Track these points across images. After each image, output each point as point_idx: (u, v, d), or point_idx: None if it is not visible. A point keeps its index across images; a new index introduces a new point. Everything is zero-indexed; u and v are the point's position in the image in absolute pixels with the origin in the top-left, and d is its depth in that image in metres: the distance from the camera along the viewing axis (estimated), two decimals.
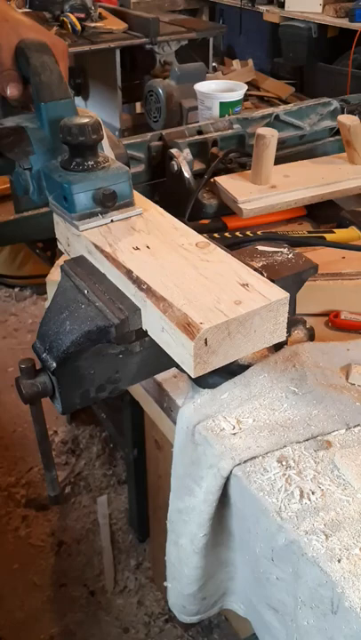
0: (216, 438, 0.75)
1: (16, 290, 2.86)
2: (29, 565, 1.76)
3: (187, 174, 1.21)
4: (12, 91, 0.85)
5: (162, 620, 1.62)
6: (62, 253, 0.90)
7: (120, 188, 0.76)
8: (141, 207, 0.80)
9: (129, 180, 0.78)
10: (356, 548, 0.63)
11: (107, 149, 0.88)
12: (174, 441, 0.81)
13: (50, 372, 0.70)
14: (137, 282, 0.68)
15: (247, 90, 1.74)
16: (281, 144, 1.32)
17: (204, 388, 0.81)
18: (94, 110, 2.40)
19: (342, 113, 1.48)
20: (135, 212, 0.79)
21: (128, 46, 2.46)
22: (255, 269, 0.71)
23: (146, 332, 0.70)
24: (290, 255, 0.84)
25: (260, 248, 0.85)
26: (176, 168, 1.22)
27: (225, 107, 1.60)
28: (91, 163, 0.76)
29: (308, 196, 1.21)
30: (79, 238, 0.81)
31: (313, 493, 0.68)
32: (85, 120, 0.74)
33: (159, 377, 0.87)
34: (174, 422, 0.83)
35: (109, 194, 0.75)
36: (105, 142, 0.87)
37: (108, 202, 0.75)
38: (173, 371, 0.84)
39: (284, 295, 0.66)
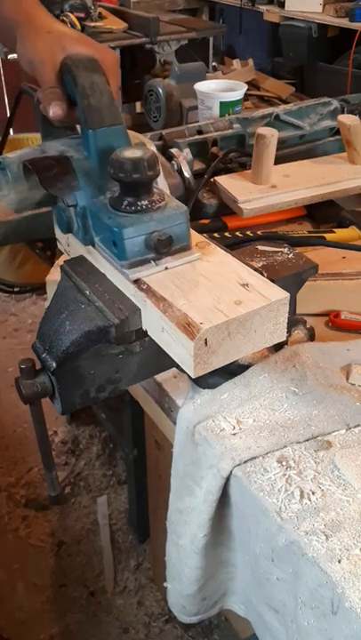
0: (216, 438, 0.75)
1: (16, 290, 2.86)
2: (29, 565, 1.76)
3: (187, 174, 1.21)
4: (55, 111, 0.75)
5: (162, 620, 1.62)
6: (62, 253, 0.90)
7: (176, 230, 0.68)
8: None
9: (187, 222, 0.69)
10: (357, 549, 0.63)
11: (160, 180, 0.81)
12: (174, 441, 0.81)
13: (50, 372, 0.70)
14: (137, 282, 0.68)
15: (247, 89, 1.74)
16: (281, 144, 1.32)
17: (204, 388, 0.81)
18: None
19: (342, 113, 1.48)
20: (192, 258, 0.69)
21: (128, 46, 2.46)
22: (255, 269, 0.71)
23: (146, 332, 0.70)
24: (290, 255, 0.84)
25: (260, 248, 0.85)
26: (176, 168, 1.22)
27: (225, 106, 1.60)
28: (145, 202, 0.67)
29: (308, 195, 1.20)
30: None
31: (313, 494, 0.68)
32: (140, 153, 0.64)
33: (159, 377, 0.87)
34: (174, 422, 0.82)
35: (165, 239, 0.66)
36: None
37: (162, 248, 0.66)
38: (173, 371, 0.84)
39: (284, 295, 0.66)
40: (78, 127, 0.79)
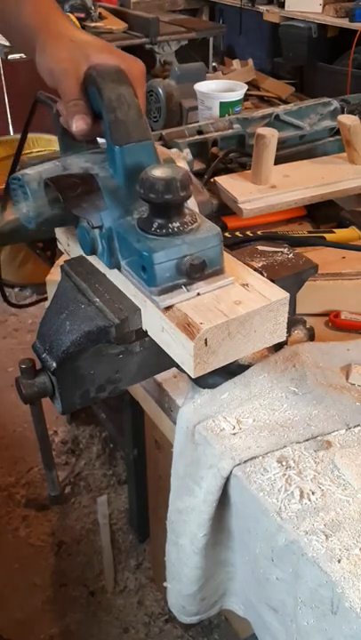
0: (216, 438, 0.75)
1: (16, 290, 2.86)
2: (29, 565, 1.76)
3: None
4: (79, 125, 0.70)
5: (162, 620, 1.62)
6: (62, 253, 0.90)
7: (209, 254, 0.63)
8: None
9: (220, 245, 0.64)
10: (357, 549, 0.63)
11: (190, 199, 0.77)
12: (174, 441, 0.81)
13: (50, 372, 0.70)
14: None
15: (247, 90, 1.74)
16: (281, 144, 1.32)
17: (204, 388, 0.81)
18: None
19: (342, 113, 1.48)
20: (226, 283, 0.65)
21: (128, 46, 2.46)
22: (255, 269, 0.71)
23: (146, 332, 0.70)
24: (290, 255, 0.84)
25: (260, 248, 0.85)
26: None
27: (225, 107, 1.60)
28: (176, 224, 0.62)
29: (308, 195, 1.20)
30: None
31: (313, 493, 0.68)
32: (172, 173, 0.60)
33: (159, 377, 0.87)
34: (174, 422, 0.83)
35: (198, 264, 0.62)
36: None
37: (195, 273, 0.62)
38: (173, 371, 0.84)
39: (284, 295, 0.66)
40: (99, 140, 0.75)
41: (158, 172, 0.60)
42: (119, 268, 0.67)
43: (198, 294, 0.64)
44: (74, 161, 0.71)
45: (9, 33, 0.82)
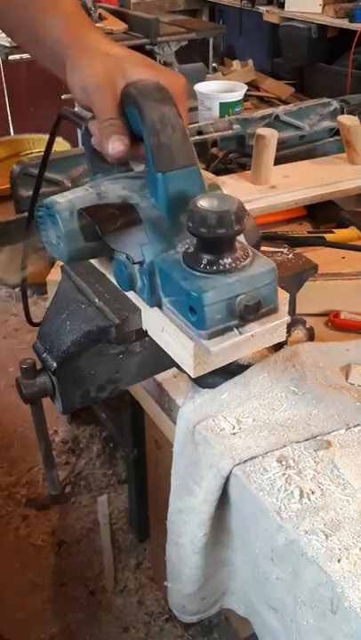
0: (216, 438, 0.75)
1: (16, 290, 2.86)
2: (29, 565, 1.76)
3: None
4: (116, 147, 0.63)
5: (162, 619, 1.62)
6: None
7: (263, 292, 0.57)
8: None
9: (275, 282, 0.59)
10: (356, 548, 0.63)
11: None
12: (174, 441, 0.81)
13: (50, 372, 0.71)
14: None
15: (247, 90, 1.74)
16: (281, 144, 1.32)
17: (204, 388, 0.82)
18: None
19: (342, 113, 1.48)
20: (280, 322, 0.60)
21: (128, 47, 2.47)
22: None
23: (146, 332, 0.70)
24: (290, 255, 0.84)
25: (261, 248, 0.85)
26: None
27: (225, 107, 1.60)
28: (227, 261, 0.56)
29: (308, 196, 1.21)
30: None
31: (313, 493, 0.68)
32: (225, 205, 0.54)
33: (159, 377, 0.87)
34: (174, 422, 0.83)
35: (253, 305, 0.56)
36: None
37: (249, 315, 0.56)
38: (173, 371, 0.85)
39: (283, 295, 0.66)
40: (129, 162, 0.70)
41: (210, 204, 0.54)
42: (160, 307, 0.62)
43: (253, 336, 0.58)
44: (109, 188, 0.64)
45: (37, 50, 0.74)
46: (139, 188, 0.63)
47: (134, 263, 0.60)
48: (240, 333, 0.57)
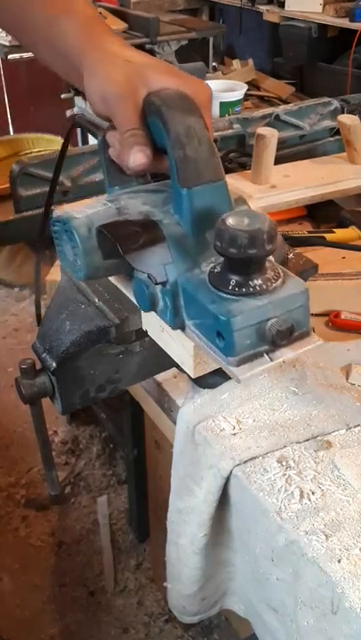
0: (216, 438, 0.75)
1: (16, 290, 2.86)
2: (29, 566, 1.76)
3: None
4: (137, 158, 0.59)
5: (162, 620, 1.62)
6: None
7: (296, 315, 0.54)
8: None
9: (307, 304, 0.55)
10: (357, 549, 0.63)
11: None
12: (174, 441, 0.81)
13: (50, 372, 0.70)
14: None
15: (247, 90, 1.74)
16: (281, 144, 1.32)
17: (204, 388, 0.81)
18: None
19: (342, 113, 1.48)
20: (312, 347, 0.56)
21: None
22: None
23: (146, 332, 0.70)
24: (290, 255, 0.84)
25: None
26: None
27: (225, 106, 1.60)
28: (258, 282, 0.52)
29: (308, 195, 1.21)
30: None
31: (313, 493, 0.68)
32: (257, 223, 0.50)
33: (159, 377, 0.87)
34: (174, 422, 0.82)
35: (286, 329, 0.52)
36: None
37: (282, 340, 0.52)
38: (173, 371, 0.84)
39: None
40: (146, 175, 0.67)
41: (240, 222, 0.50)
42: (183, 329, 0.58)
43: (284, 362, 0.54)
44: (129, 203, 0.61)
45: (50, 55, 0.69)
46: (161, 203, 0.60)
47: (157, 284, 0.56)
48: (271, 359, 0.53)
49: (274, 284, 0.53)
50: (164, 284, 0.56)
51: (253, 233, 0.49)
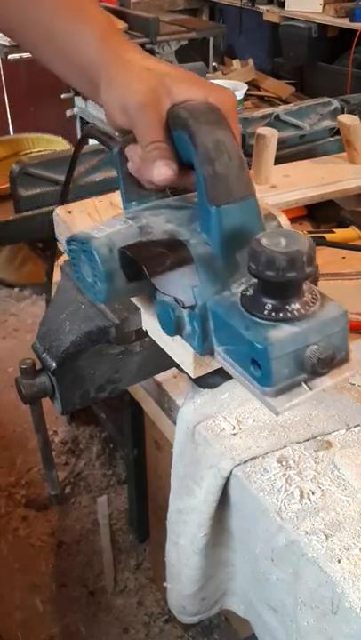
0: (216, 438, 0.75)
1: (16, 290, 2.86)
2: (29, 565, 1.76)
3: None
4: (162, 172, 0.56)
5: (162, 620, 1.62)
6: (62, 253, 0.90)
7: (335, 340, 0.50)
8: None
9: (347, 328, 0.52)
10: (357, 549, 0.63)
11: None
12: (174, 441, 0.81)
13: (50, 372, 0.70)
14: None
15: (247, 89, 1.74)
16: (281, 144, 1.32)
17: (204, 388, 0.81)
18: (95, 110, 2.39)
19: (342, 113, 1.48)
20: (351, 373, 0.52)
21: None
22: None
23: (146, 332, 0.70)
24: None
25: None
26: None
27: None
28: (295, 306, 0.49)
29: (308, 195, 1.20)
30: None
31: (313, 493, 0.68)
32: (295, 244, 0.47)
33: (159, 377, 0.87)
34: (174, 422, 0.82)
35: (326, 357, 0.48)
36: None
37: (322, 368, 0.49)
38: (173, 371, 0.84)
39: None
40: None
41: (276, 243, 0.47)
42: (212, 354, 0.54)
43: (324, 390, 0.50)
44: (152, 221, 0.57)
45: (63, 66, 0.66)
46: (186, 221, 0.56)
47: (185, 307, 0.53)
48: (310, 388, 0.49)
49: (312, 308, 0.49)
50: (192, 307, 0.52)
51: (292, 255, 0.46)
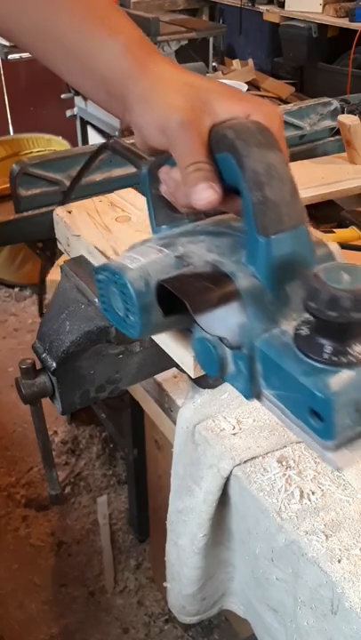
0: (216, 438, 0.75)
1: (16, 290, 2.86)
2: (29, 565, 1.76)
3: None
4: (205, 196, 0.51)
5: (162, 620, 1.62)
6: (62, 253, 0.90)
7: None
8: (142, 208, 0.57)
9: None
10: (357, 549, 0.63)
11: None
12: (174, 441, 0.81)
13: (50, 372, 0.70)
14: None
15: (247, 89, 1.74)
16: None
17: (204, 388, 0.81)
18: (95, 110, 2.39)
19: (342, 113, 1.48)
20: None
21: None
22: None
23: None
24: None
25: None
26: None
27: None
28: (359, 349, 0.44)
29: (308, 195, 1.20)
30: (79, 239, 0.81)
31: (313, 493, 0.68)
32: (359, 280, 0.42)
33: (159, 377, 0.87)
34: (174, 422, 0.82)
35: None
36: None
37: None
38: (173, 371, 0.84)
39: None
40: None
41: (338, 279, 0.42)
42: (259, 398, 0.49)
43: None
44: (191, 250, 0.52)
45: (85, 81, 0.60)
46: (229, 251, 0.51)
47: (233, 348, 0.48)
48: None
49: None
50: (238, 347, 0.47)
51: (359, 294, 0.41)
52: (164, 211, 0.59)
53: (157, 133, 0.53)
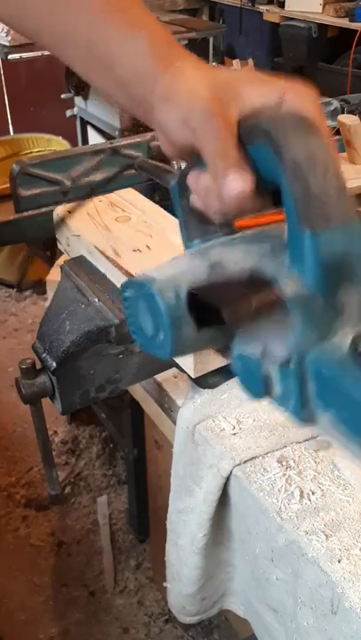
0: (216, 438, 0.75)
1: (16, 290, 2.86)
2: (29, 565, 1.76)
3: None
4: (236, 186, 0.45)
5: (162, 620, 1.62)
6: (62, 253, 0.90)
7: None
8: (142, 208, 0.64)
9: None
10: (357, 549, 0.63)
11: None
12: (174, 441, 0.81)
13: (50, 372, 0.70)
14: None
15: None
16: None
17: (204, 388, 0.81)
18: (95, 110, 2.39)
19: (342, 113, 1.48)
20: None
21: None
22: None
23: None
24: None
25: None
26: (176, 168, 1.22)
27: None
28: None
29: None
30: (79, 239, 0.81)
31: (313, 493, 0.68)
32: None
33: (159, 377, 0.87)
34: (174, 422, 0.82)
35: None
36: None
37: None
38: (173, 371, 0.84)
39: None
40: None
41: None
42: (313, 420, 0.42)
43: None
44: (225, 256, 0.46)
45: (106, 81, 0.57)
46: (269, 255, 0.45)
47: (282, 366, 0.42)
48: None
49: None
50: (286, 363, 0.41)
51: None
52: (196, 224, 0.53)
53: (181, 127, 0.49)
